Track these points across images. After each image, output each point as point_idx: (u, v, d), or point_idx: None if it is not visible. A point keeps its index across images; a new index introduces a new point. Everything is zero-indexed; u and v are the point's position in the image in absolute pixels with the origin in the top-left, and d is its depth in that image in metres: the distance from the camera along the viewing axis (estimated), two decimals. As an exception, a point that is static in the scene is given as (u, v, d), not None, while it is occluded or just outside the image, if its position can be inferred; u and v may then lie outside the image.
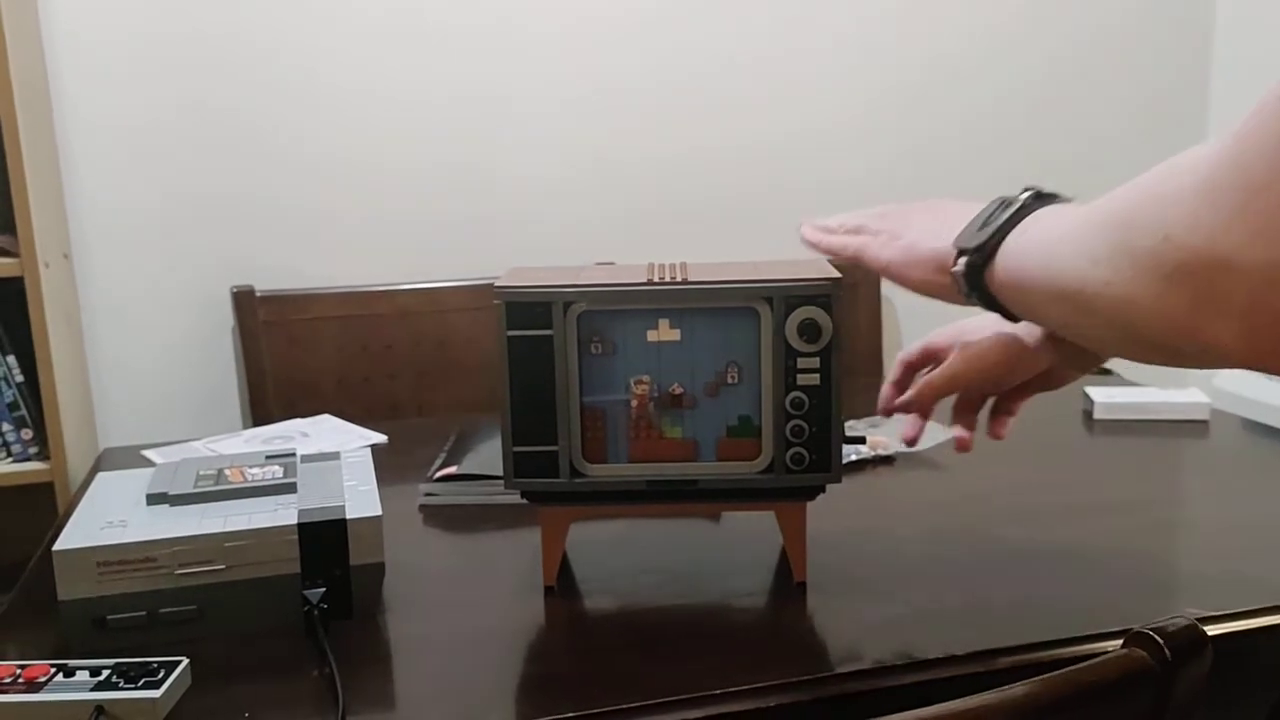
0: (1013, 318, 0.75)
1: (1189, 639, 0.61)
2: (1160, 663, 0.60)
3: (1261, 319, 0.50)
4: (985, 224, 0.74)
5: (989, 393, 0.97)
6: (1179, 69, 2.37)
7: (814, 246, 0.87)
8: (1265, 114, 0.50)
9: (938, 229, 0.79)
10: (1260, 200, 0.48)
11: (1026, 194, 0.74)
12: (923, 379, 0.98)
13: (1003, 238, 0.72)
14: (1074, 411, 1.43)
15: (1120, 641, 0.66)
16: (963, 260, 0.74)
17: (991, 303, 0.75)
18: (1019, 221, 0.72)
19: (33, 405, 1.70)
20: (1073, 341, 0.75)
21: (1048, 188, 0.75)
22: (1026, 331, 0.88)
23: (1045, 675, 0.60)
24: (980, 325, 0.94)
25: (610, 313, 0.89)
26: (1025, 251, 0.70)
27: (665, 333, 0.89)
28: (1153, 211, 0.54)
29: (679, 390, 0.89)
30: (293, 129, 1.97)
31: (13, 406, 1.70)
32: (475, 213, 2.07)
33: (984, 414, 0.99)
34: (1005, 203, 0.74)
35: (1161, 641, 0.60)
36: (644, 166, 2.13)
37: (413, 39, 1.99)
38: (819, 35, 2.17)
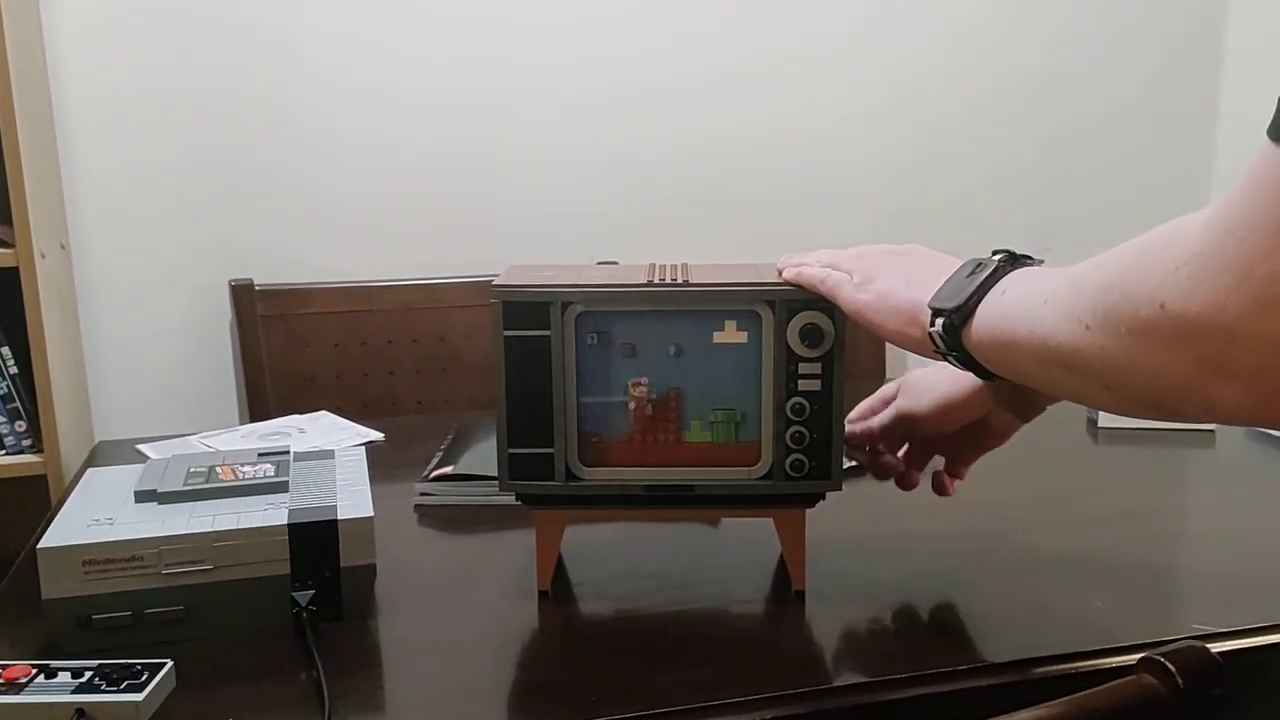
0: (989, 376, 0.76)
1: (1201, 665, 0.59)
2: (1172, 690, 0.59)
3: (1266, 382, 0.50)
4: (962, 285, 0.74)
5: (932, 434, 0.97)
6: (1189, 57, 2.35)
7: (792, 282, 0.87)
8: (1256, 184, 0.50)
9: (909, 278, 0.80)
10: (1261, 269, 0.49)
11: (999, 256, 0.75)
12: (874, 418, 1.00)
13: (980, 299, 0.73)
14: (1078, 420, 1.41)
15: (1128, 657, 0.65)
16: (940, 321, 0.75)
17: (969, 361, 0.75)
18: (995, 283, 0.73)
19: (27, 397, 1.69)
20: (1024, 391, 0.79)
21: (1020, 249, 0.76)
22: (968, 379, 0.88)
23: (1054, 701, 0.58)
24: (923, 374, 0.96)
25: (609, 314, 0.87)
26: (1006, 313, 0.70)
27: (732, 335, 0.87)
28: (1144, 279, 0.54)
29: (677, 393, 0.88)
30: (293, 124, 1.95)
31: (7, 398, 1.69)
32: (478, 208, 2.06)
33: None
34: (979, 264, 0.75)
35: (1174, 669, 0.59)
36: (648, 162, 2.12)
37: (415, 32, 1.98)
38: (824, 28, 2.16)
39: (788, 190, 2.19)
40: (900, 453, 1.00)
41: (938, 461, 1.00)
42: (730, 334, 0.87)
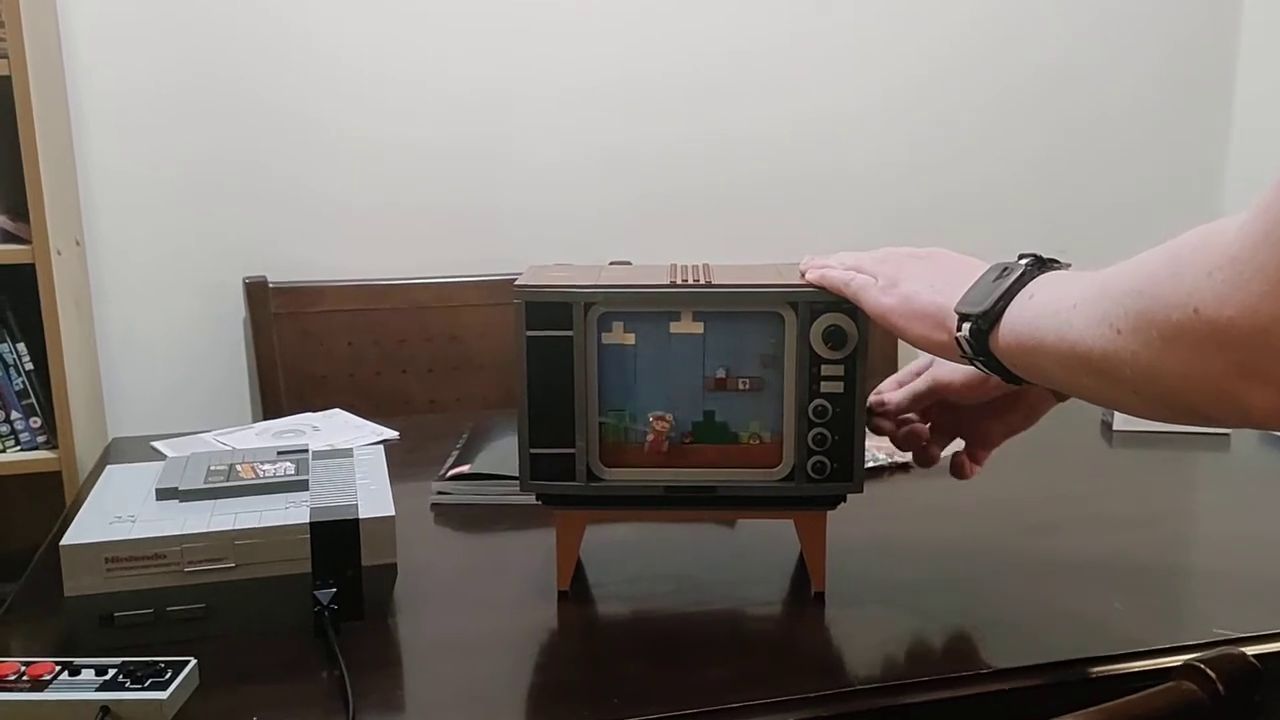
0: (1016, 380, 0.76)
1: (1242, 672, 0.59)
2: (1212, 697, 0.59)
3: None
4: (988, 290, 0.74)
5: (964, 403, 0.94)
6: (1202, 53, 2.34)
7: (815, 284, 0.87)
8: None
9: (934, 282, 0.80)
10: None
11: (1026, 260, 0.75)
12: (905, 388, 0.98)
13: (1008, 303, 0.73)
14: (1093, 423, 1.41)
15: (1150, 662, 0.64)
16: (967, 326, 0.75)
17: (997, 366, 0.75)
18: (1022, 287, 0.73)
19: (42, 394, 1.70)
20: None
21: (1046, 253, 0.76)
22: None
23: (1092, 709, 0.58)
24: None
25: (631, 314, 0.87)
26: (1034, 319, 0.70)
27: (688, 325, 0.87)
28: (1176, 285, 0.55)
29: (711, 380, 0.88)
30: (308, 123, 1.96)
31: (22, 395, 1.70)
32: (490, 207, 2.06)
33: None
34: (1006, 269, 0.75)
35: (1214, 676, 0.59)
36: (659, 158, 2.12)
37: (429, 30, 1.98)
38: (833, 21, 2.15)
39: (797, 188, 2.19)
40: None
41: (959, 445, 0.98)
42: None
